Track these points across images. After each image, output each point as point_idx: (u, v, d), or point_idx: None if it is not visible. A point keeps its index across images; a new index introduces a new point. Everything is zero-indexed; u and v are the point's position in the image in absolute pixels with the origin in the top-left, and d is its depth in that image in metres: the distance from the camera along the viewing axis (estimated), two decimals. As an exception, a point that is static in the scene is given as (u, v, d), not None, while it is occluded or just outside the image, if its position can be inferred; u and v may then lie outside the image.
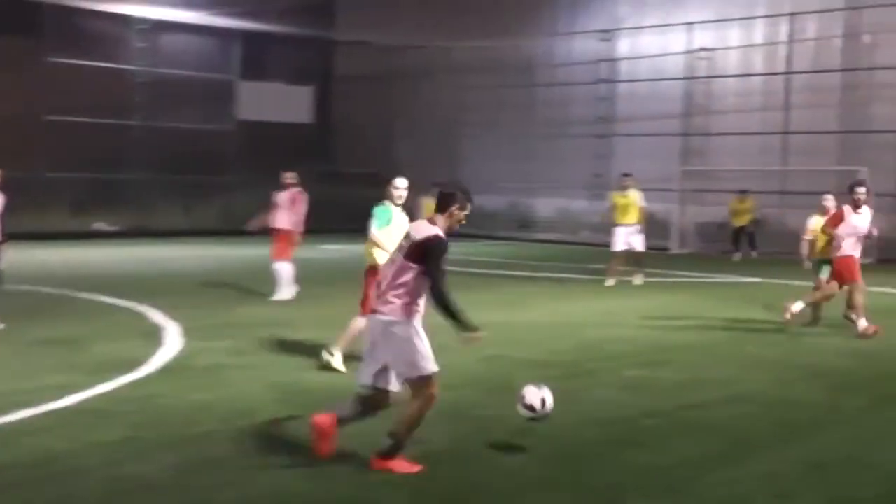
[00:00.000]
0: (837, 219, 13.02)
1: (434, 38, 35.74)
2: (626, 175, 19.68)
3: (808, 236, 14.22)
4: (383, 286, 6.59)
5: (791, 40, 29.24)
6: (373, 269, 9.56)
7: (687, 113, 31.29)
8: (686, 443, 7.42)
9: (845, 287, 13.09)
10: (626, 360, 10.62)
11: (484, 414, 8.13)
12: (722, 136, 30.88)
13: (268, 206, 15.87)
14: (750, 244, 26.97)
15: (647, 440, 7.44)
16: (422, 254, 6.44)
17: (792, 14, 29.12)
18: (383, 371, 6.57)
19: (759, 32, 30.28)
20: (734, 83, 30.80)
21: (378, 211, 9.83)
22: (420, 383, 6.49)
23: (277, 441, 7.16)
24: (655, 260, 25.47)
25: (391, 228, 9.55)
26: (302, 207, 15.75)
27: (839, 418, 8.27)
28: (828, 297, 13.25)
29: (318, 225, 18.52)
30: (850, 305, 13.15)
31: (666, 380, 9.64)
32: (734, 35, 30.73)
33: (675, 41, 31.84)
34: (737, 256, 26.40)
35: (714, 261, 25.45)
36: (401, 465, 6.47)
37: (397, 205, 9.83)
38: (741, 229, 27.17)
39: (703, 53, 31.19)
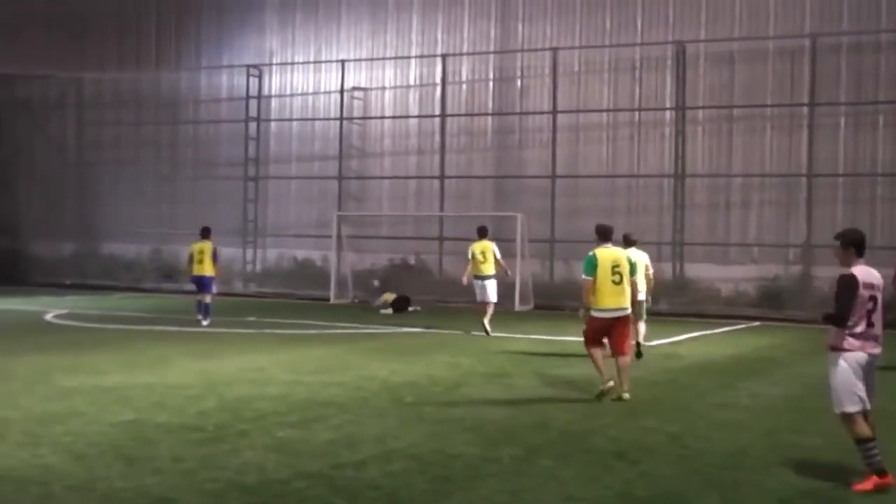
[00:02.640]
0: None
1: (61, 68, 34.42)
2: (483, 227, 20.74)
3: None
4: (877, 329, 8.17)
5: (445, 82, 30.68)
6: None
7: (342, 155, 31.93)
8: (340, 505, 7.50)
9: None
10: (276, 420, 10.60)
11: (118, 486, 7.83)
12: (378, 180, 31.81)
13: None
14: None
15: (299, 505, 7.46)
16: None
17: (444, 55, 30.59)
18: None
19: (413, 73, 31.52)
20: (389, 125, 31.80)
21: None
22: None
23: None
24: (312, 310, 25.74)
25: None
26: None
27: (496, 469, 8.66)
28: None
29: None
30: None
31: (319, 438, 9.72)
32: (389, 75, 31.81)
33: (328, 79, 32.53)
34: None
35: (373, 311, 26.02)
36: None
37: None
38: None
39: (357, 93, 32.03)
